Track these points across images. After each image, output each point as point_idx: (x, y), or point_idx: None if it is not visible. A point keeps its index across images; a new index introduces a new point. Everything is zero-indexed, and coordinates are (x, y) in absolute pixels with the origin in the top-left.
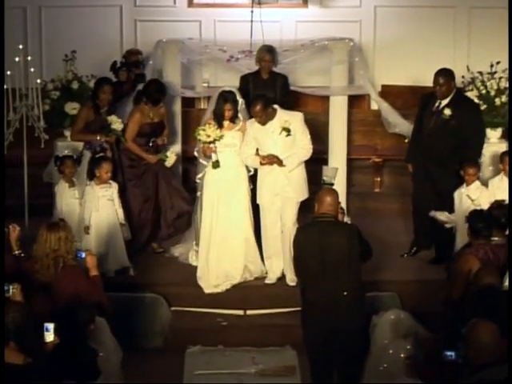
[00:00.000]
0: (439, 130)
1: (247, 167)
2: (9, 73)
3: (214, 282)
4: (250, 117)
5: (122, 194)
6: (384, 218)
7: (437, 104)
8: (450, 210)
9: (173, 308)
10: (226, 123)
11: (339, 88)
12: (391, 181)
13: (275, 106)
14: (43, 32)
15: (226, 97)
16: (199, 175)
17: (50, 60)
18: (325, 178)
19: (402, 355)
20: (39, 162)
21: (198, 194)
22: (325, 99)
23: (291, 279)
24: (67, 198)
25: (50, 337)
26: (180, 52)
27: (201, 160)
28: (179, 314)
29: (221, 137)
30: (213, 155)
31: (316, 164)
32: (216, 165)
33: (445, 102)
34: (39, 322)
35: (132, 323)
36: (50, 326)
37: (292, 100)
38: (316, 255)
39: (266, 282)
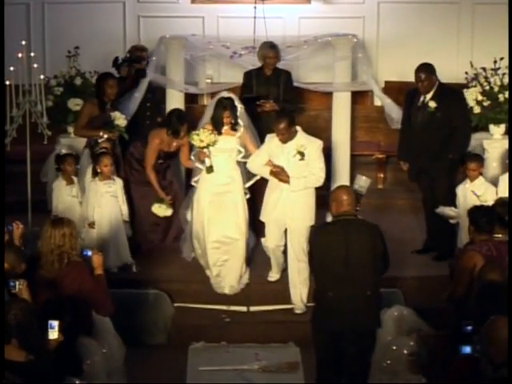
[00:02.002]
0: (427, 123)
1: (248, 177)
2: (12, 69)
3: (219, 284)
4: (258, 126)
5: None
6: (387, 214)
7: (421, 99)
8: (448, 202)
9: (176, 304)
10: (225, 129)
11: (342, 84)
12: (394, 177)
13: (297, 128)
14: (46, 28)
15: (224, 104)
16: (195, 178)
17: (53, 56)
18: (357, 186)
19: (406, 352)
20: (42, 158)
21: (194, 197)
22: (328, 95)
23: (300, 308)
24: (64, 196)
25: (54, 334)
26: (183, 48)
27: (197, 164)
28: (182, 311)
29: (214, 142)
30: (206, 160)
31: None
32: (210, 170)
33: (429, 95)
34: (43, 319)
35: (135, 319)
36: (55, 323)
37: (296, 96)
38: (341, 253)
39: (269, 279)
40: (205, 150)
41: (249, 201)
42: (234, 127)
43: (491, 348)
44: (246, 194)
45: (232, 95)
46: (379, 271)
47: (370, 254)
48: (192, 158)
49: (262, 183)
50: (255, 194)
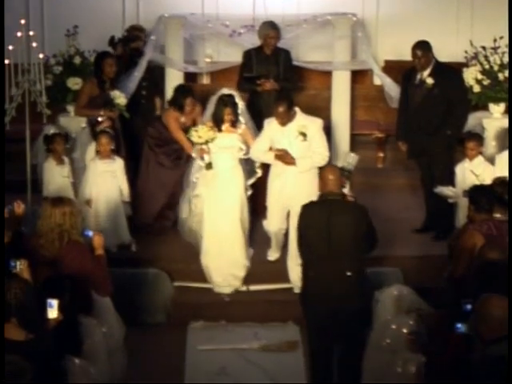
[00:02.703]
0: (425, 100)
1: (251, 171)
2: (11, 48)
3: (219, 283)
4: (255, 118)
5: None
6: (387, 193)
7: (418, 76)
8: (446, 180)
9: (175, 283)
10: (225, 126)
11: (342, 63)
12: (394, 156)
13: (296, 109)
14: (45, 7)
15: (225, 101)
16: (196, 175)
17: (52, 35)
18: (345, 164)
19: (405, 331)
20: None
21: (194, 193)
22: (327, 74)
23: (299, 287)
24: (55, 177)
25: (53, 313)
26: (182, 27)
27: (198, 161)
28: (182, 290)
29: (213, 138)
30: (205, 157)
31: None
32: (209, 167)
33: (426, 72)
34: (43, 297)
35: (135, 299)
36: (54, 302)
37: (295, 75)
38: (323, 233)
39: (269, 258)
40: (204, 146)
41: (250, 196)
42: (234, 124)
43: (482, 325)
44: (247, 190)
45: (233, 92)
46: (363, 252)
47: (352, 235)
48: (193, 154)
49: (264, 174)
50: (257, 184)
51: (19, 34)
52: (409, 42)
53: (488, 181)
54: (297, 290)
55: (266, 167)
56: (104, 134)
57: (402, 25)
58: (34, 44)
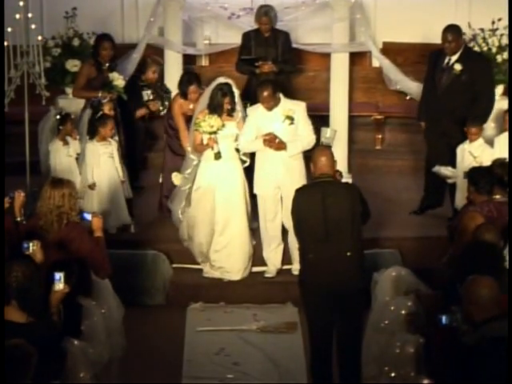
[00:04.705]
0: (452, 85)
1: (241, 159)
2: (9, 30)
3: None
4: (250, 104)
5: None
6: (385, 175)
7: (446, 60)
8: None
9: (174, 265)
10: (224, 115)
11: (340, 45)
12: (392, 138)
13: (279, 94)
14: None
15: (224, 90)
16: (188, 170)
17: (51, 17)
18: (323, 139)
19: (403, 312)
20: (40, 119)
21: (184, 188)
22: (326, 56)
23: (297, 269)
24: (61, 157)
25: (59, 285)
26: (181, 9)
27: (191, 156)
28: (181, 271)
29: (223, 126)
30: (214, 146)
31: (317, 122)
32: (218, 156)
33: (454, 57)
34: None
35: (134, 280)
36: (60, 274)
37: (294, 57)
38: (319, 215)
39: (266, 275)
40: (212, 135)
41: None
42: (231, 112)
43: (470, 306)
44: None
45: (229, 80)
46: (361, 227)
47: (349, 215)
48: (189, 149)
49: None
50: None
51: (18, 15)
52: (407, 24)
53: (486, 162)
54: (296, 272)
55: (251, 154)
56: (110, 118)
57: (401, 7)
58: (33, 26)
